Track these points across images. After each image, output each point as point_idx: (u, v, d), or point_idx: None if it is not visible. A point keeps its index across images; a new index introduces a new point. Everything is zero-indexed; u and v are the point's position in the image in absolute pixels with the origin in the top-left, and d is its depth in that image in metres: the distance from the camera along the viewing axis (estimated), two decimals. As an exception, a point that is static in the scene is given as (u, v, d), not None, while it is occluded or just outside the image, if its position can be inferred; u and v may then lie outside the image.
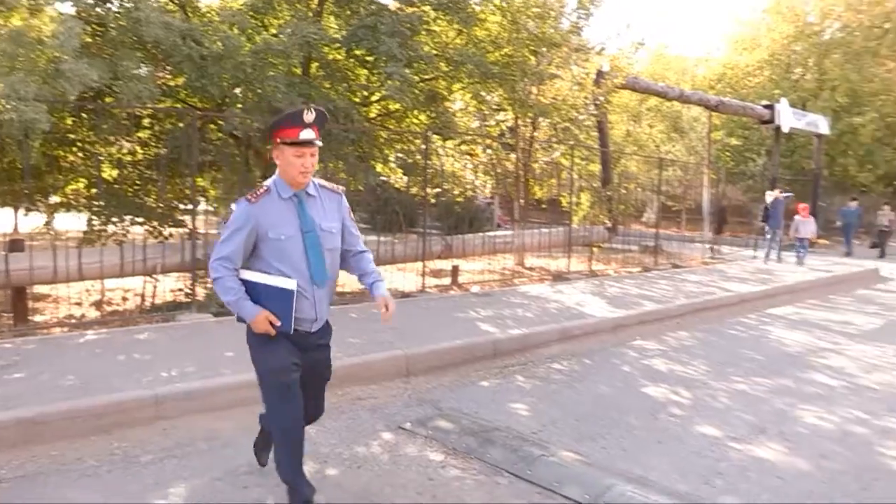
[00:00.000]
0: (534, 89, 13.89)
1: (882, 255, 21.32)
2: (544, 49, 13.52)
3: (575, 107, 14.69)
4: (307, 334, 3.69)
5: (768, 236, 17.83)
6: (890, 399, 6.58)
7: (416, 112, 12.55)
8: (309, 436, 4.84)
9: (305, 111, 3.51)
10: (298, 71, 10.69)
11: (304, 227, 3.58)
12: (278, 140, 3.54)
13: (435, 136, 12.93)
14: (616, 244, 16.81)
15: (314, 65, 11.28)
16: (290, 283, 3.53)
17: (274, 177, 3.65)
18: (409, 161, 12.97)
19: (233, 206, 3.66)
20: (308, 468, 4.35)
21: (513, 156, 15.37)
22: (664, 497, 4.23)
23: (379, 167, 12.85)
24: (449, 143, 14.62)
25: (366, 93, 12.07)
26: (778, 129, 21.15)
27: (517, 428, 5.33)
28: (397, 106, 12.09)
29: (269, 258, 3.56)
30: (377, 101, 12.56)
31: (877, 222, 22.25)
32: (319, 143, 3.61)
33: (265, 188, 3.61)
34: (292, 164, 3.53)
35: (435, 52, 12.04)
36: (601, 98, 15.13)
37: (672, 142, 25.25)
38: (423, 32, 11.83)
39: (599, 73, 15.31)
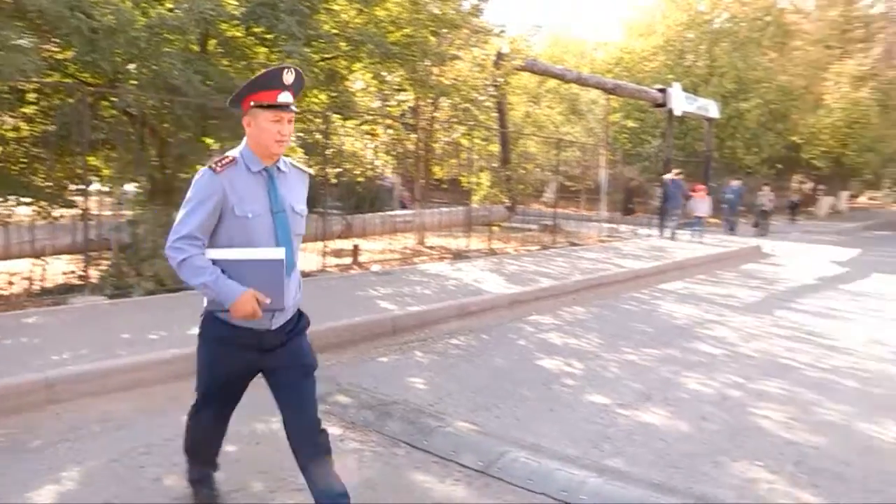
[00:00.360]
0: (434, 70, 13.97)
1: (763, 234, 22.49)
2: (444, 30, 13.60)
3: (475, 88, 14.87)
4: (271, 331, 3.20)
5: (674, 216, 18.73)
6: (765, 365, 7.02)
7: (316, 91, 12.44)
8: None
9: (286, 71, 3.10)
10: (196, 48, 10.44)
11: (275, 207, 3.13)
12: (251, 103, 3.10)
13: (335, 116, 12.87)
14: (516, 223, 17.15)
15: (212, 42, 11.03)
16: (276, 252, 3.07)
17: (241, 147, 3.20)
18: (309, 141, 12.85)
19: (196, 176, 3.13)
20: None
21: (413, 136, 15.44)
22: (555, 461, 4.42)
23: (279, 147, 12.70)
24: (349, 123, 14.55)
25: (265, 71, 11.89)
26: (671, 112, 21.89)
27: (415, 401, 5.43)
28: (297, 85, 11.96)
29: (231, 240, 3.07)
30: (276, 80, 12.38)
31: (757, 202, 23.46)
32: (296, 110, 3.21)
33: (231, 158, 3.14)
34: (267, 130, 3.09)
35: (335, 31, 11.93)
36: (500, 79, 15.36)
37: (571, 123, 25.85)
38: (323, 11, 11.70)
39: (499, 55, 15.52)
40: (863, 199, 57.19)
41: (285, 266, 3.06)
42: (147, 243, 8.60)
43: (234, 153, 3.17)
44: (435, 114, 15.45)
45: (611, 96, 21.97)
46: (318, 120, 12.44)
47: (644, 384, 6.17)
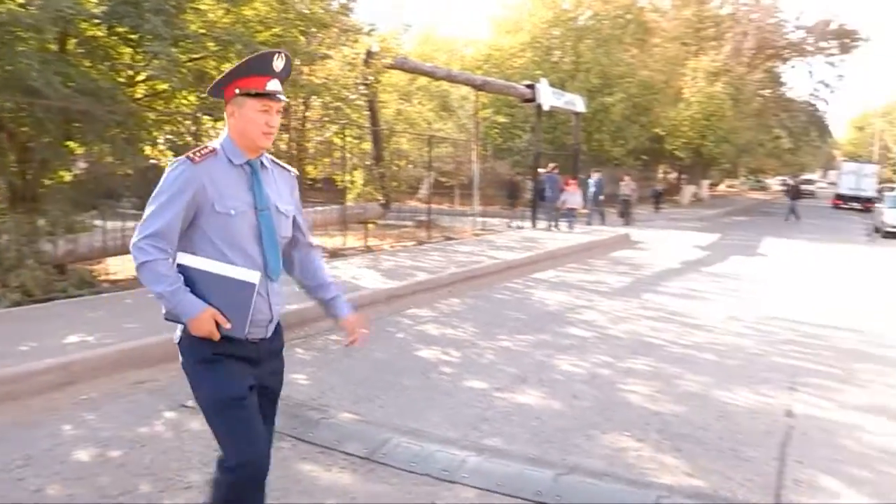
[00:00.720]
0: (305, 69, 13.93)
1: (628, 223, 23.58)
2: (314, 29, 13.58)
3: (346, 87, 14.90)
4: (260, 341, 2.87)
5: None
6: (633, 344, 7.48)
7: (184, 93, 12.18)
8: (86, 420, 4.76)
9: (276, 56, 2.84)
10: (54, 48, 10.03)
11: (259, 204, 2.83)
12: (236, 91, 2.81)
13: (205, 118, 12.63)
14: (392, 220, 17.33)
15: (71, 41, 10.63)
16: (251, 276, 2.74)
17: (222, 138, 2.88)
18: (180, 143, 12.54)
19: (168, 168, 2.81)
20: (89, 452, 4.30)
21: (285, 136, 15.32)
22: (436, 444, 4.61)
23: (148, 149, 12.35)
24: (220, 124, 14.30)
25: (131, 72, 11.54)
26: (539, 107, 22.53)
27: (298, 396, 5.49)
28: (165, 86, 11.67)
29: (209, 239, 2.75)
30: (143, 82, 12.04)
31: (620, 192, 24.50)
32: (285, 99, 2.93)
33: (211, 148, 2.82)
34: (254, 121, 2.80)
35: (202, 30, 11.70)
36: (371, 78, 15.46)
37: (442, 120, 26.23)
38: (190, 11, 11.48)
39: (369, 54, 15.61)
40: (722, 188, 60.64)
41: (260, 288, 2.75)
42: (10, 252, 8.23)
43: (214, 144, 2.86)
44: (307, 113, 15.40)
45: (480, 92, 22.41)
46: (188, 122, 12.18)
47: (519, 368, 6.46)
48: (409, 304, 9.30)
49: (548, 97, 22.21)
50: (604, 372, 6.44)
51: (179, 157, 2.79)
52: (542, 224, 19.67)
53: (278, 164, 3.03)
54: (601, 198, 22.88)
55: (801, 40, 44.59)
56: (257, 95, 2.79)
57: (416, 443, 4.62)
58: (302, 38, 13.30)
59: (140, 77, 11.71)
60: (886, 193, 31.08)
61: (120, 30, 10.39)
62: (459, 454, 4.46)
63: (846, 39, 44.01)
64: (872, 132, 62.06)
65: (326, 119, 15.76)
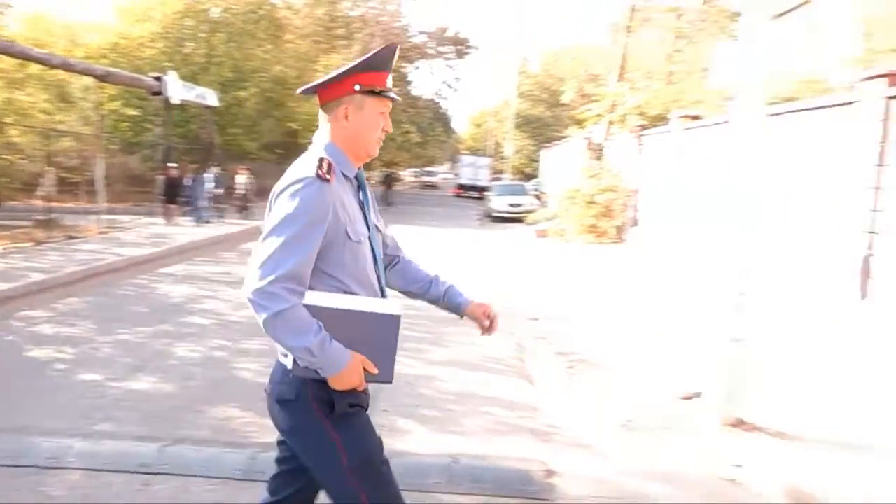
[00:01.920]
0: None
1: (246, 217, 22.49)
2: None
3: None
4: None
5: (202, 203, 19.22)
6: (250, 328, 7.95)
7: None
8: None
9: (397, 49, 2.45)
10: None
11: (369, 223, 2.46)
12: (357, 87, 2.36)
13: None
14: (4, 220, 15.99)
15: None
16: (392, 307, 2.35)
17: (326, 144, 2.41)
18: None
19: (293, 187, 2.22)
20: None
21: None
22: (42, 436, 4.70)
23: None
24: None
25: None
26: (168, 100, 22.07)
27: None
28: None
29: (329, 272, 2.30)
30: None
31: (236, 186, 23.67)
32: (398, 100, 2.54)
33: (328, 161, 2.29)
34: (374, 124, 2.41)
35: None
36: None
37: (64, 112, 24.46)
38: None
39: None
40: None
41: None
42: None
43: (323, 152, 2.36)
44: None
45: (105, 84, 21.34)
46: None
47: (136, 358, 6.65)
48: (22, 306, 8.88)
49: (177, 90, 21.84)
50: (219, 354, 6.90)
51: (304, 174, 2.24)
52: (188, 220, 19.40)
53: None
54: (220, 192, 22.23)
55: (423, 44, 48.63)
56: (380, 94, 2.41)
57: (19, 437, 4.68)
58: None
59: None
60: (495, 183, 35.30)
61: None
62: (66, 441, 4.62)
63: (460, 46, 48.99)
64: (486, 129, 69.33)
65: None
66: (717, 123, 12.35)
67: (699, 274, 11.94)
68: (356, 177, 2.44)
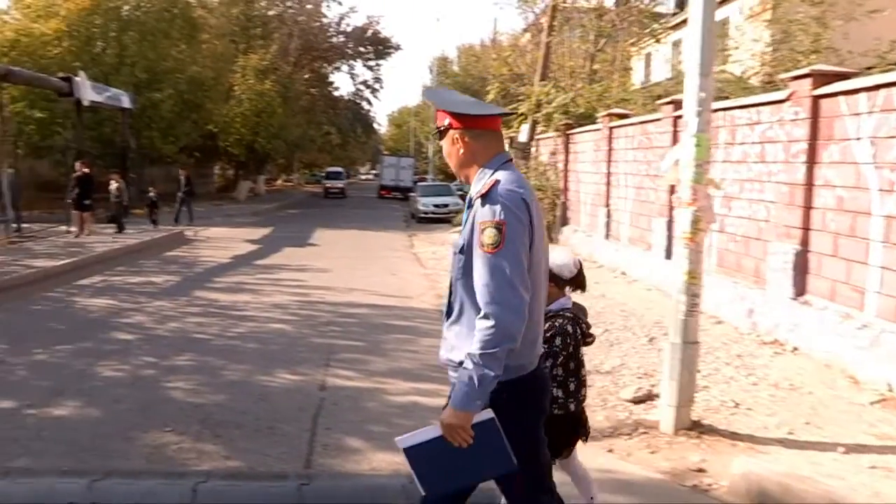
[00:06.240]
0: None
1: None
2: None
3: None
4: None
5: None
6: (178, 342, 7.56)
7: None
8: None
9: None
10: None
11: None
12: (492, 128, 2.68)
13: None
14: None
15: None
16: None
17: (506, 174, 2.53)
18: None
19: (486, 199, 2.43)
20: None
21: None
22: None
23: None
24: None
25: None
26: (79, 102, 21.12)
27: None
28: None
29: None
30: None
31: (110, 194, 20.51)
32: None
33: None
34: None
35: None
36: None
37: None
38: None
39: None
40: (279, 182, 62.55)
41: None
42: None
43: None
44: None
45: (6, 83, 20.17)
46: None
47: (56, 381, 6.16)
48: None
49: (87, 92, 20.94)
50: (148, 372, 6.46)
51: (492, 181, 2.48)
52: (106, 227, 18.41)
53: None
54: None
55: (342, 44, 48.04)
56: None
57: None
58: None
59: None
60: (420, 184, 35.11)
61: None
62: (-22, 482, 4.18)
63: (380, 46, 48.59)
64: (407, 128, 69.13)
65: None
66: (644, 121, 12.40)
67: (636, 272, 11.98)
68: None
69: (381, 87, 68.32)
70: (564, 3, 22.08)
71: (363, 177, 72.89)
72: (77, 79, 20.82)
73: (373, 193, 49.53)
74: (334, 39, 47.60)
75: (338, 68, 49.86)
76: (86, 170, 17.80)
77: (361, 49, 48.42)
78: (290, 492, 4.20)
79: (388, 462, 4.56)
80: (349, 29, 47.59)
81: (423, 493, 2.57)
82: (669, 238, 10.68)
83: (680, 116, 9.96)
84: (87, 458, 4.58)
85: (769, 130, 8.20)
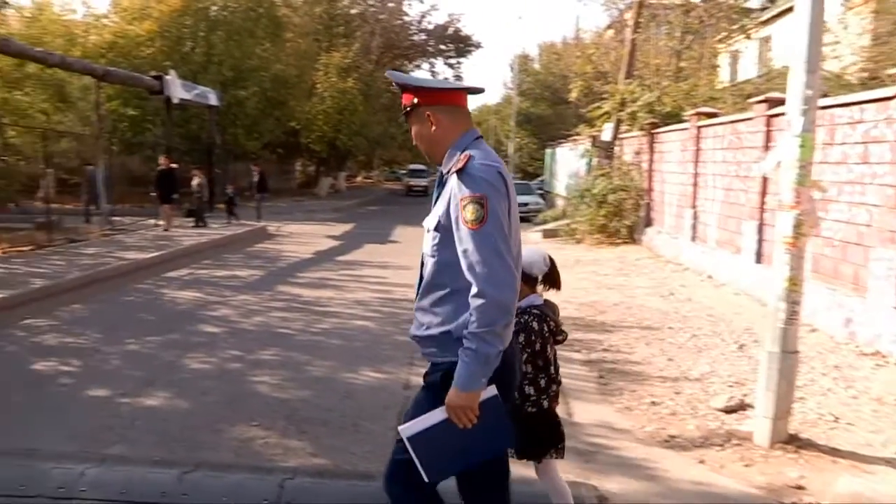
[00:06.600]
0: None
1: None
2: None
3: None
4: None
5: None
6: (263, 336, 7.65)
7: None
8: None
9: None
10: None
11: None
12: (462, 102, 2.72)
13: None
14: (11, 223, 15.64)
15: None
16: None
17: (478, 151, 2.54)
18: None
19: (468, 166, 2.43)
20: None
21: None
22: (50, 461, 4.35)
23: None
24: None
25: None
26: (168, 99, 21.72)
27: None
28: None
29: None
30: None
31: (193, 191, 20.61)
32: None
33: None
34: None
35: None
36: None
37: (62, 112, 24.04)
38: None
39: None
40: (359, 179, 63.27)
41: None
42: None
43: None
44: None
45: (103, 83, 20.92)
46: None
47: (146, 371, 6.30)
48: (25, 314, 8.50)
49: (177, 89, 21.50)
50: (233, 366, 6.54)
51: (467, 154, 2.48)
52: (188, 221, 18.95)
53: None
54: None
55: (423, 42, 48.17)
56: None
57: (26, 463, 4.33)
58: None
59: None
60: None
61: None
62: (77, 468, 4.25)
63: (461, 44, 48.52)
64: (487, 127, 69.04)
65: None
66: (735, 121, 12.00)
67: (723, 275, 11.61)
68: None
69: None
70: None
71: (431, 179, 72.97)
72: (168, 77, 21.41)
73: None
74: (415, 37, 47.69)
75: (418, 66, 49.94)
76: (172, 165, 18.29)
77: (442, 47, 48.40)
78: (377, 491, 4.15)
79: (474, 465, 4.47)
80: (430, 27, 47.60)
81: (427, 480, 2.52)
82: (760, 241, 10.32)
83: (774, 115, 9.84)
84: (177, 448, 4.64)
85: (873, 129, 7.79)
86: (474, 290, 2.35)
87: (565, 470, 4.53)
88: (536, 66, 52.95)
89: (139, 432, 4.90)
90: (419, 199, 42.18)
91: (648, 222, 16.93)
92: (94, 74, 18.46)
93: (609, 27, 28.94)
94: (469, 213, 2.35)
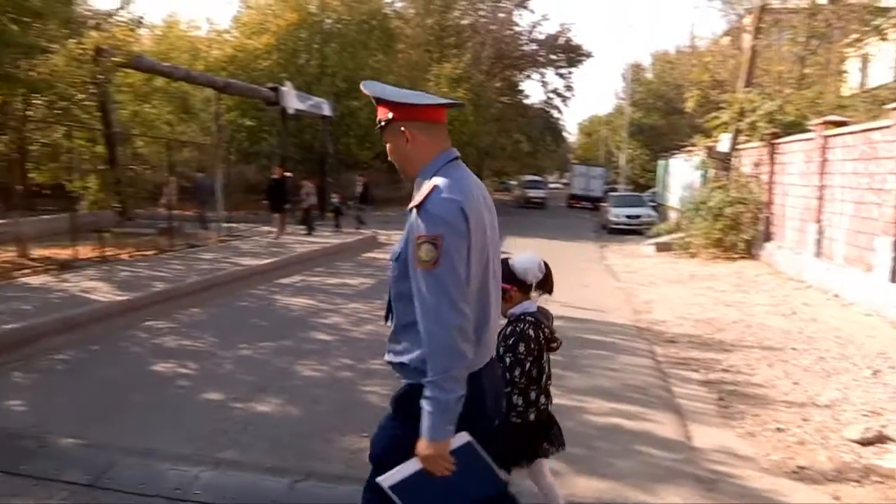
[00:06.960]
0: (22, 63, 12.71)
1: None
2: (27, 19, 12.35)
3: (73, 84, 13.83)
4: None
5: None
6: (374, 346, 7.58)
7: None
8: None
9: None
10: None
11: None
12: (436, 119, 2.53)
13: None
14: (133, 228, 16.37)
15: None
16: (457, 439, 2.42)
17: (444, 180, 2.38)
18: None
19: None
20: None
21: (4, 137, 13.94)
22: (167, 462, 4.43)
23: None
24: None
25: None
26: (284, 110, 22.34)
27: (12, 426, 5.04)
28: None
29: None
30: None
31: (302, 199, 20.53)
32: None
33: None
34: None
35: None
36: (101, 76, 14.47)
37: (185, 122, 25.13)
38: None
39: (99, 50, 14.61)
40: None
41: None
42: None
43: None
44: (27, 112, 14.09)
45: (223, 95, 21.73)
46: None
47: (259, 376, 6.37)
48: (146, 315, 8.81)
49: (292, 100, 22.08)
50: (345, 374, 6.54)
51: (432, 186, 2.35)
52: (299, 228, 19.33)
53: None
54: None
55: (533, 52, 47.96)
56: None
57: (145, 463, 4.42)
58: (14, 26, 12.04)
59: None
60: (611, 194, 34.33)
61: None
62: (192, 470, 4.32)
63: (572, 54, 48.03)
64: (598, 137, 68.07)
65: (51, 119, 14.52)
66: (868, 129, 11.30)
67: (851, 294, 10.93)
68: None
69: (572, 96, 67.74)
70: (771, 3, 20.73)
71: (552, 185, 72.24)
72: (283, 88, 22.01)
73: (562, 202, 49.12)
74: (526, 47, 47.53)
75: (528, 76, 49.78)
76: (287, 174, 18.75)
77: (553, 57, 48.03)
78: None
79: (590, 488, 4.30)
80: (541, 37, 47.35)
81: None
82: (895, 259, 9.65)
83: (915, 123, 9.15)
84: (288, 456, 4.64)
85: None
86: (422, 332, 2.30)
87: (684, 497, 4.30)
88: (649, 75, 51.94)
89: (251, 437, 4.93)
90: (526, 210, 41.72)
91: (768, 237, 16.19)
92: (216, 87, 19.20)
93: (726, 34, 27.96)
94: (423, 253, 2.26)
